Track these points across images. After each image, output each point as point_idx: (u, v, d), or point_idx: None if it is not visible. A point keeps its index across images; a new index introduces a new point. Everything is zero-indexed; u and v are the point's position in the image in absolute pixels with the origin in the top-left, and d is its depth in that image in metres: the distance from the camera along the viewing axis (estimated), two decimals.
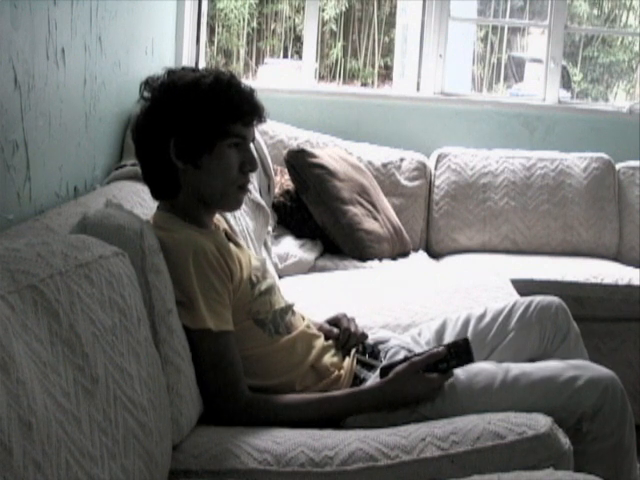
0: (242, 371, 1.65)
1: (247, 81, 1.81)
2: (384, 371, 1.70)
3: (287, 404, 1.65)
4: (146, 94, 1.71)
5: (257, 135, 2.04)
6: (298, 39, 7.30)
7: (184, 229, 1.69)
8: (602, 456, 1.65)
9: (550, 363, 1.77)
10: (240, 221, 2.46)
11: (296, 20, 7.63)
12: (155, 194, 1.78)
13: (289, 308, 1.82)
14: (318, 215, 3.25)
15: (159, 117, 1.69)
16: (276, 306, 1.77)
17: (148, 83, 1.72)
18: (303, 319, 1.86)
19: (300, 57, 4.84)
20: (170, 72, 1.73)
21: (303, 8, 4.43)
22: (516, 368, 1.72)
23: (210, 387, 1.61)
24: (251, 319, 1.71)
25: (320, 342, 1.82)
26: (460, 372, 1.72)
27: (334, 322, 1.95)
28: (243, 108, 1.70)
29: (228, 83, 1.70)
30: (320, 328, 1.90)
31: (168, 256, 1.60)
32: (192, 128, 1.67)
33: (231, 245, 1.77)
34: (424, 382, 1.67)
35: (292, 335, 1.77)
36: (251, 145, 1.77)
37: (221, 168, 1.70)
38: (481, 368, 1.74)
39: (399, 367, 1.68)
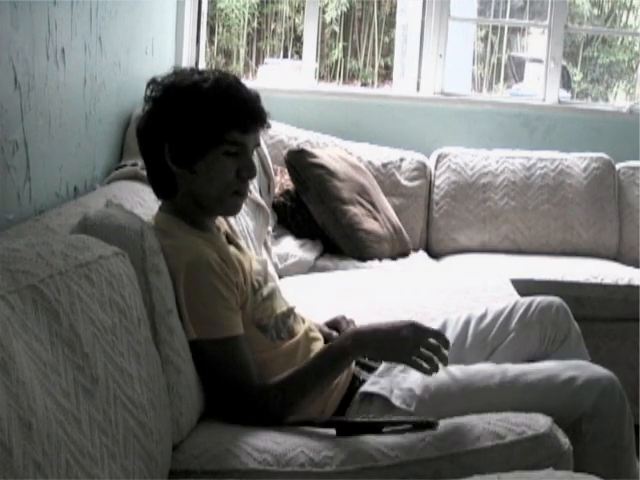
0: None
1: (247, 81, 1.78)
2: (340, 427, 1.57)
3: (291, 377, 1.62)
4: (150, 94, 1.69)
5: None
6: (298, 39, 7.29)
7: (187, 235, 1.67)
8: (601, 456, 1.65)
9: (549, 364, 1.77)
10: (240, 221, 2.46)
11: (296, 20, 7.63)
12: (157, 194, 1.78)
13: (291, 312, 1.80)
14: (318, 215, 3.25)
15: (157, 120, 1.67)
16: (278, 311, 1.75)
17: (153, 83, 1.69)
18: (303, 321, 1.85)
19: (300, 57, 4.83)
20: (175, 73, 1.70)
21: (303, 8, 4.43)
22: (515, 369, 1.72)
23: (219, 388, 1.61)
24: (254, 325, 1.69)
25: (319, 345, 1.81)
26: (459, 372, 1.72)
27: (333, 325, 1.95)
28: (240, 115, 1.64)
29: (227, 88, 1.65)
30: (319, 331, 1.89)
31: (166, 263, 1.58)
32: (186, 133, 1.64)
33: (232, 248, 1.75)
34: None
35: (294, 340, 1.75)
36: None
37: (215, 175, 1.66)
38: (480, 368, 1.75)
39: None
